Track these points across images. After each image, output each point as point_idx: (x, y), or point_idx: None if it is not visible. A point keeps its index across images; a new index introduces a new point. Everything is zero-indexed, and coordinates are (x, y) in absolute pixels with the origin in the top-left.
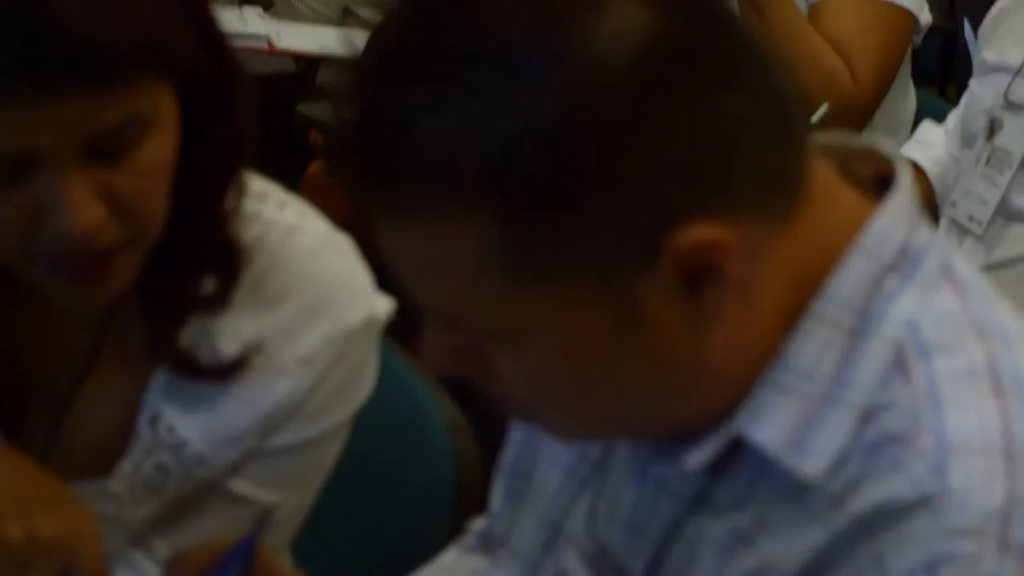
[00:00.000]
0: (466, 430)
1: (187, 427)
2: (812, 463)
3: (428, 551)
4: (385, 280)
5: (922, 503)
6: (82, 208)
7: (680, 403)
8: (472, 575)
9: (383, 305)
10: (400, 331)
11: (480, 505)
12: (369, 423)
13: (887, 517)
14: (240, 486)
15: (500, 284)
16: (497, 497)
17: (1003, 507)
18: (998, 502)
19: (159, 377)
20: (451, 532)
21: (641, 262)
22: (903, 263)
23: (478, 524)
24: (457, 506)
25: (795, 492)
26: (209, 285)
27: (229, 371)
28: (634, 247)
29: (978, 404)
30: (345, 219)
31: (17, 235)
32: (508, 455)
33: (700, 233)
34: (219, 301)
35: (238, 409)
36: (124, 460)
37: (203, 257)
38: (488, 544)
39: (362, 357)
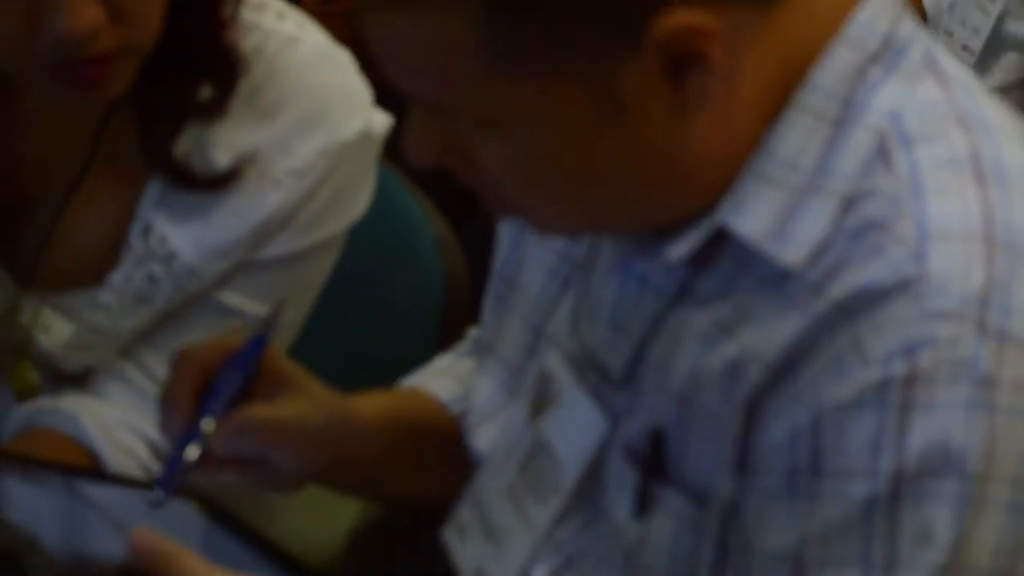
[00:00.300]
0: (455, 246)
1: (178, 238)
2: (793, 251)
3: (415, 366)
4: (384, 99)
5: (901, 287)
6: (80, 9)
7: (663, 194)
8: (468, 374)
9: (380, 120)
10: (393, 150)
11: (467, 321)
12: (359, 238)
13: (867, 302)
14: (230, 298)
15: (485, 69)
16: (486, 307)
17: (982, 291)
18: (977, 286)
19: (152, 188)
20: (437, 348)
21: (625, 48)
22: (887, 54)
23: (473, 332)
24: (444, 322)
25: (776, 281)
26: (206, 93)
27: (222, 181)
28: (618, 32)
29: (959, 191)
30: (343, 45)
31: (17, 40)
32: (496, 263)
33: (684, 18)
34: (215, 109)
35: (229, 220)
36: (115, 271)
37: (200, 65)
38: (478, 351)
39: (357, 172)
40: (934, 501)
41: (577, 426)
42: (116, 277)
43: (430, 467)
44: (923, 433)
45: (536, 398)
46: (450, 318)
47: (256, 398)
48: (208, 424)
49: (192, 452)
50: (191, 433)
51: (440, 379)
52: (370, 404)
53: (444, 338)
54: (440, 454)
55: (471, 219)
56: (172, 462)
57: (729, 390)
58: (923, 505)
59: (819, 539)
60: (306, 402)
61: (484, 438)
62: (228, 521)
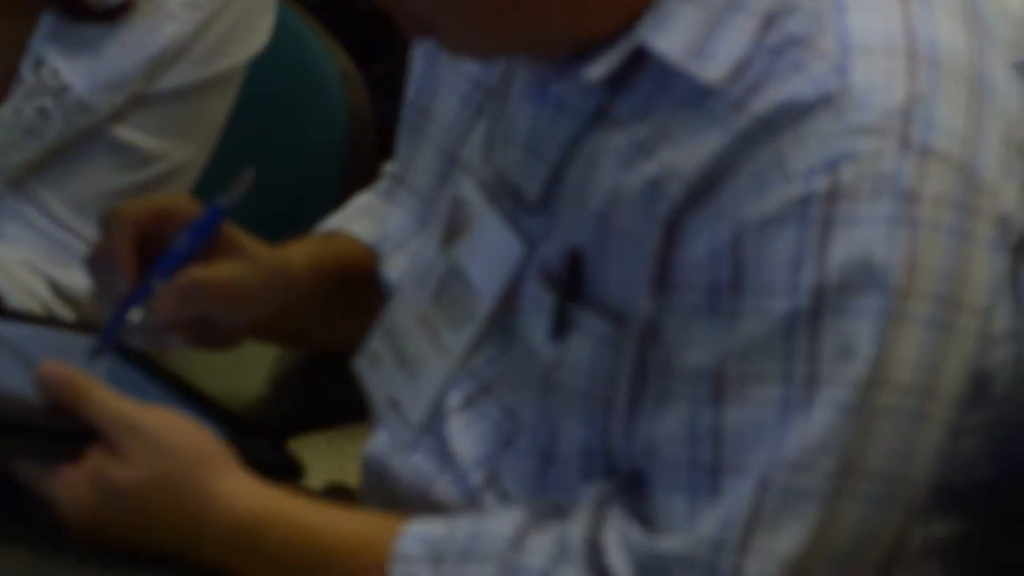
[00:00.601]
0: (358, 80)
1: (71, 71)
2: (714, 68)
3: (320, 204)
4: None
5: (823, 102)
6: None
7: (581, 13)
8: (387, 222)
9: None
10: None
11: (371, 158)
12: (260, 74)
13: (788, 117)
14: (126, 133)
15: None
16: (399, 138)
17: (904, 106)
18: (899, 101)
19: (45, 20)
20: (342, 184)
21: None
22: None
23: (391, 166)
24: (349, 158)
25: (696, 100)
26: None
27: (115, 13)
28: None
29: (881, 6)
30: None
31: None
32: (409, 92)
33: None
34: None
35: (122, 53)
36: (4, 104)
37: None
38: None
39: (255, 4)
40: (856, 316)
41: (492, 251)
42: (5, 110)
43: (359, 311)
44: (845, 248)
45: (449, 225)
46: (354, 154)
47: (193, 261)
48: (158, 285)
49: (136, 313)
50: (136, 294)
51: (361, 220)
52: (300, 254)
53: (349, 174)
54: (368, 297)
55: (372, 63)
56: (116, 320)
57: (648, 209)
58: (844, 320)
59: (740, 356)
60: (242, 261)
61: (395, 268)
62: (133, 356)
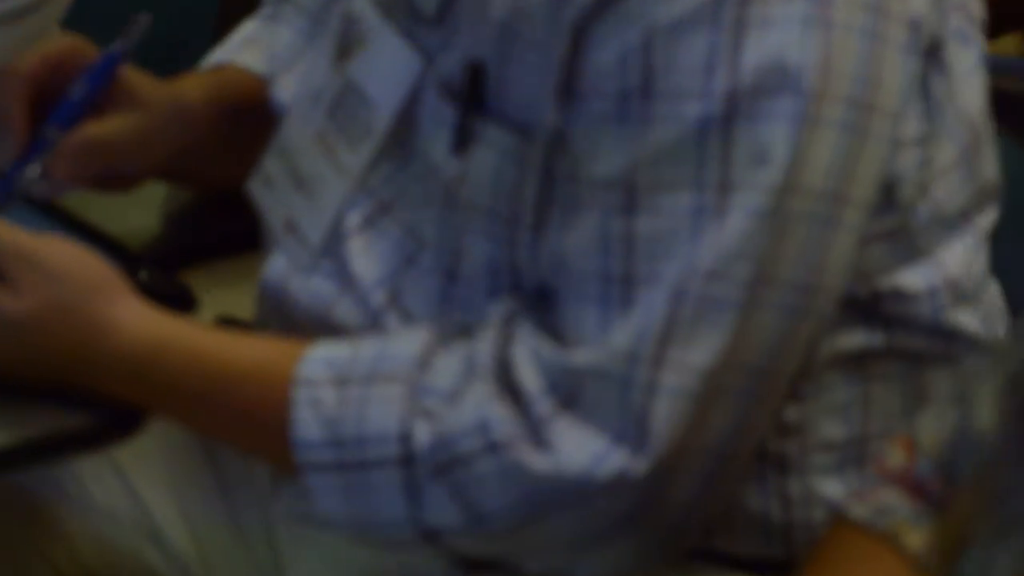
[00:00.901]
0: None
1: None
2: None
3: (199, 37)
4: None
5: None
6: None
7: None
8: (273, 42)
9: None
10: None
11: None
12: None
13: None
14: None
15: None
16: None
17: None
18: None
19: None
20: (221, 17)
21: None
22: None
23: None
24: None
25: None
26: None
27: None
28: None
29: None
30: None
31: None
32: None
33: None
34: None
35: None
36: None
37: None
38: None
39: None
40: (769, 119)
41: (388, 67)
42: None
43: (255, 143)
44: (758, 50)
45: (341, 42)
46: None
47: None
48: (55, 136)
49: (33, 169)
50: (33, 147)
51: (248, 50)
52: (194, 89)
53: (228, 5)
54: (264, 128)
55: None
56: (11, 176)
57: (554, 16)
58: (758, 124)
59: (651, 163)
60: (137, 109)
61: (287, 88)
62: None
